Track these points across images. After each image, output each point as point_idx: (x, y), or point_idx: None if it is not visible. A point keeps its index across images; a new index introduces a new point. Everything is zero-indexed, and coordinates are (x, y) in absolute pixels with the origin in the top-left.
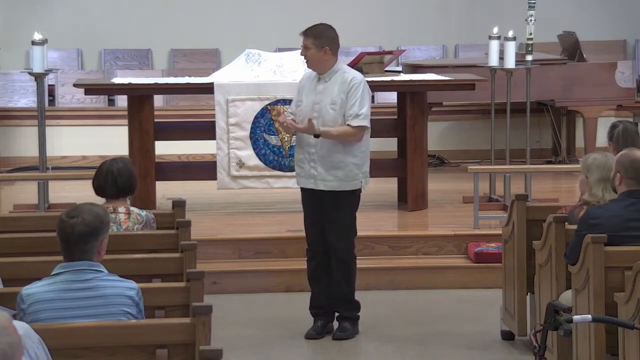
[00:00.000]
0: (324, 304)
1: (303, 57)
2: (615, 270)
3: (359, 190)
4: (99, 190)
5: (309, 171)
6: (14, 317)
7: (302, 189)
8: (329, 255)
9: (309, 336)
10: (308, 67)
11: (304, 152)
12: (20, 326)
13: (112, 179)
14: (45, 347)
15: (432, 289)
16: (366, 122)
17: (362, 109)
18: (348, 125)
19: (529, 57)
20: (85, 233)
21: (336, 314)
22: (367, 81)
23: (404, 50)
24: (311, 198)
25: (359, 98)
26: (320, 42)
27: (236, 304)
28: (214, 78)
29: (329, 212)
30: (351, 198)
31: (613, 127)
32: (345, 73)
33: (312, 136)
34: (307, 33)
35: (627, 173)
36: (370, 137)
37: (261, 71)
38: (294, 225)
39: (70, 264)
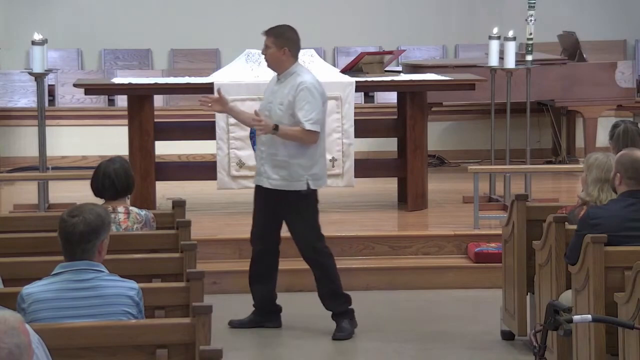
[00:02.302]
0: (263, 304)
1: (263, 55)
2: (615, 270)
3: (308, 191)
4: (97, 192)
5: (259, 169)
6: None
7: (255, 187)
8: (275, 255)
9: (232, 324)
10: (267, 66)
11: (258, 150)
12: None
13: (109, 182)
14: (45, 347)
15: (432, 289)
16: (316, 127)
17: (311, 114)
18: (301, 127)
19: (529, 57)
20: (86, 232)
21: (331, 313)
22: (367, 81)
23: (404, 50)
24: (263, 197)
25: (306, 103)
26: (280, 42)
27: (236, 304)
28: (214, 78)
29: (284, 214)
30: (301, 198)
31: (614, 126)
32: (298, 76)
33: (263, 135)
34: (269, 33)
35: (627, 173)
36: (371, 137)
37: (261, 71)
38: None
39: (70, 264)
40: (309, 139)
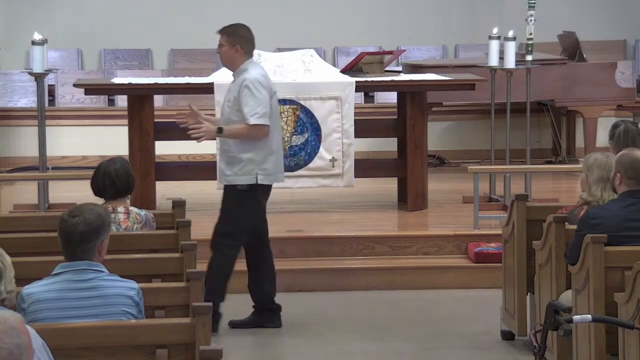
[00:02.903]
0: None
1: (218, 53)
2: (615, 270)
3: (260, 188)
4: (97, 192)
5: (219, 167)
6: None
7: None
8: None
9: (231, 324)
10: (222, 64)
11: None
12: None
13: (110, 181)
14: (48, 352)
15: (432, 289)
16: (262, 120)
17: (256, 108)
18: (247, 123)
19: (529, 57)
20: (86, 232)
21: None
22: (367, 81)
23: (404, 50)
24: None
25: (250, 98)
26: (232, 40)
27: (236, 304)
28: (214, 78)
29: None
30: (247, 194)
31: (614, 126)
32: (245, 72)
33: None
34: (222, 31)
35: (627, 173)
36: (371, 137)
37: None
38: (294, 225)
39: (70, 264)
40: (258, 133)
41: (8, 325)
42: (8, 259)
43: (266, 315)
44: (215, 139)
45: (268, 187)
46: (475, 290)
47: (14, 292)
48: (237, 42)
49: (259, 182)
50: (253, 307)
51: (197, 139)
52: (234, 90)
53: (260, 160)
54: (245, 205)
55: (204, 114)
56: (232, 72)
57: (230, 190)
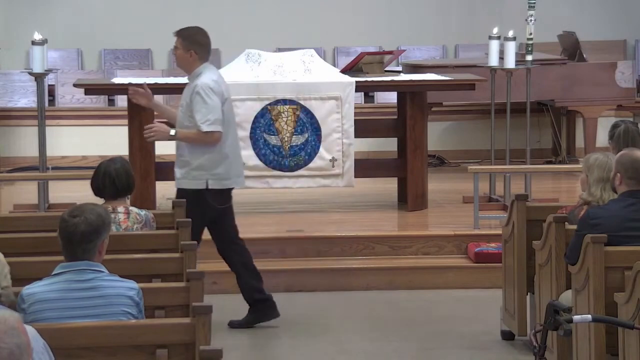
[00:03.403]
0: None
1: (174, 55)
2: (615, 270)
3: (209, 193)
4: (97, 191)
5: (175, 169)
6: None
7: None
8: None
9: (231, 325)
10: (177, 66)
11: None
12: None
13: (110, 181)
14: (50, 353)
15: (432, 289)
16: (214, 127)
17: (208, 115)
18: (198, 130)
19: (529, 57)
20: (87, 232)
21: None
22: (367, 81)
23: (404, 50)
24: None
25: (202, 105)
26: (187, 45)
27: (236, 304)
28: None
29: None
30: (198, 198)
31: (614, 126)
32: (199, 78)
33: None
34: (178, 33)
35: (628, 173)
36: (371, 137)
37: (261, 71)
38: (294, 225)
39: (71, 264)
40: (209, 140)
41: (8, 325)
42: (1, 256)
43: (261, 309)
44: (168, 141)
45: (226, 191)
46: (475, 290)
47: (9, 288)
48: (192, 47)
49: (210, 187)
50: (248, 305)
51: (148, 138)
52: (187, 95)
53: (212, 166)
54: (196, 209)
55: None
56: (188, 76)
57: (182, 194)
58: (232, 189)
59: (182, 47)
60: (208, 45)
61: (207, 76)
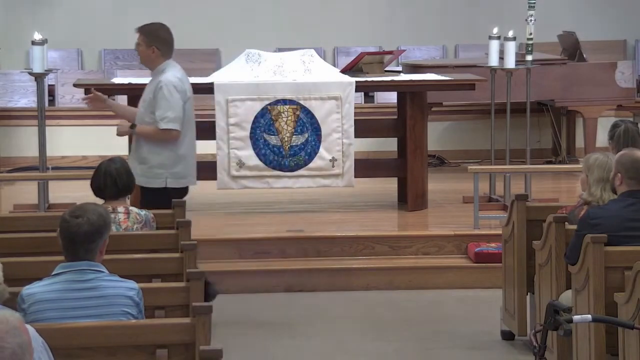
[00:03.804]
0: None
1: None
2: (615, 270)
3: (167, 191)
4: (98, 191)
5: (130, 164)
6: None
7: None
8: None
9: None
10: (140, 62)
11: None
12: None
13: (111, 180)
14: (49, 351)
15: (432, 289)
16: (172, 125)
17: (167, 112)
18: (156, 126)
19: (529, 57)
20: (90, 233)
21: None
22: (367, 81)
23: (404, 50)
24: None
25: (163, 101)
26: (149, 41)
27: (236, 304)
28: (214, 78)
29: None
30: (157, 196)
31: (614, 126)
32: (162, 74)
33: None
34: (140, 30)
35: (628, 173)
36: (371, 137)
37: (261, 71)
38: (294, 225)
39: (71, 264)
40: (167, 137)
41: (10, 325)
42: None
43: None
44: (128, 135)
45: (183, 190)
46: (475, 290)
47: (2, 286)
48: (154, 43)
49: (168, 185)
50: None
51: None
52: (149, 92)
53: (170, 164)
54: (154, 207)
55: (111, 100)
56: (151, 72)
57: (142, 192)
58: (187, 187)
59: (144, 43)
60: (170, 41)
61: (171, 73)
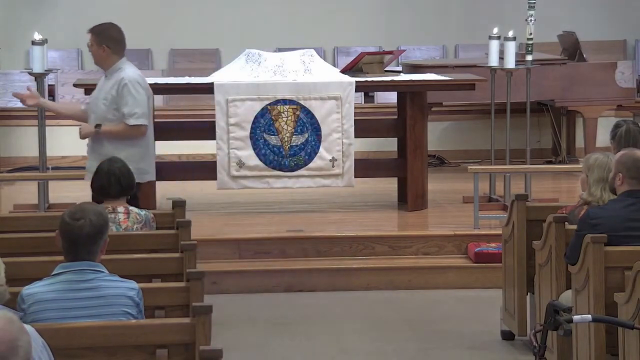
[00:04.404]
0: None
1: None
2: (615, 270)
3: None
4: (101, 191)
5: (88, 165)
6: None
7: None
8: None
9: None
10: (94, 63)
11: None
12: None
13: (115, 179)
14: (49, 351)
15: (432, 289)
16: (142, 121)
17: (135, 108)
18: (125, 123)
19: (529, 57)
20: (93, 234)
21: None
22: (367, 81)
23: (404, 50)
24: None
25: (129, 98)
26: (100, 40)
27: (236, 304)
28: (214, 78)
29: None
30: None
31: (616, 126)
32: (122, 72)
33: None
34: (91, 31)
35: (630, 173)
36: (371, 137)
37: (261, 71)
38: (294, 225)
39: (71, 264)
40: (136, 133)
41: (17, 325)
42: None
43: None
44: (90, 137)
45: (145, 185)
46: (475, 290)
47: (4, 287)
48: (104, 42)
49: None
50: None
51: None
52: (110, 89)
53: (136, 160)
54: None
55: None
56: (105, 71)
57: None
58: (147, 183)
59: (95, 43)
60: (122, 40)
61: (131, 70)
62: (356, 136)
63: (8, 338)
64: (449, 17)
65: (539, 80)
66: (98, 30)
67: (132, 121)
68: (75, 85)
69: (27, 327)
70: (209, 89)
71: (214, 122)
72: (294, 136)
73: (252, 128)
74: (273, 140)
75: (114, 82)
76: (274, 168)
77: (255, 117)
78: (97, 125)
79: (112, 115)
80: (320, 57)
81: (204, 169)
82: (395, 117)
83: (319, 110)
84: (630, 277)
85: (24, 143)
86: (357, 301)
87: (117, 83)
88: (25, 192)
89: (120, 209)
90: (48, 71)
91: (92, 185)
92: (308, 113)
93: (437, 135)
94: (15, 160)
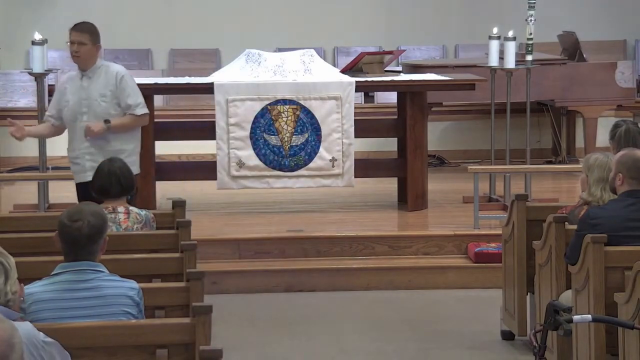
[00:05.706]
0: None
1: (74, 52)
2: (615, 270)
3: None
4: (102, 190)
5: (85, 165)
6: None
7: (81, 184)
8: None
9: None
10: (77, 62)
11: (77, 149)
12: (24, 328)
13: (116, 179)
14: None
15: (432, 289)
16: (146, 109)
17: (139, 98)
18: (132, 114)
19: (529, 57)
20: (92, 235)
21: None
22: (367, 81)
23: (404, 50)
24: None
25: (131, 89)
26: (94, 39)
27: (236, 304)
28: (214, 78)
29: None
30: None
31: (616, 126)
32: (109, 67)
33: (83, 132)
34: (84, 29)
35: (630, 172)
36: (371, 137)
37: (261, 71)
38: (294, 225)
39: (71, 264)
40: (144, 122)
41: (8, 322)
42: (12, 260)
43: None
44: (93, 136)
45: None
46: (475, 290)
47: (17, 294)
48: (98, 40)
49: (139, 170)
50: None
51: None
52: (104, 86)
53: (138, 150)
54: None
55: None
56: (83, 70)
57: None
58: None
59: (90, 42)
60: None
61: (115, 64)
62: (356, 136)
63: (5, 336)
64: (449, 17)
65: (539, 80)
66: (91, 30)
67: (139, 111)
68: None
69: (26, 325)
70: (209, 89)
71: (214, 122)
72: (294, 136)
73: (252, 128)
74: (273, 140)
75: (107, 78)
76: (274, 168)
77: (255, 117)
78: (106, 121)
79: (114, 110)
80: (320, 57)
81: (204, 169)
82: (395, 117)
83: (319, 110)
84: (630, 277)
85: (24, 143)
86: (357, 301)
87: (113, 78)
88: (25, 192)
89: (121, 209)
90: (48, 71)
91: (92, 185)
92: (308, 113)
93: (437, 135)
94: (15, 160)
